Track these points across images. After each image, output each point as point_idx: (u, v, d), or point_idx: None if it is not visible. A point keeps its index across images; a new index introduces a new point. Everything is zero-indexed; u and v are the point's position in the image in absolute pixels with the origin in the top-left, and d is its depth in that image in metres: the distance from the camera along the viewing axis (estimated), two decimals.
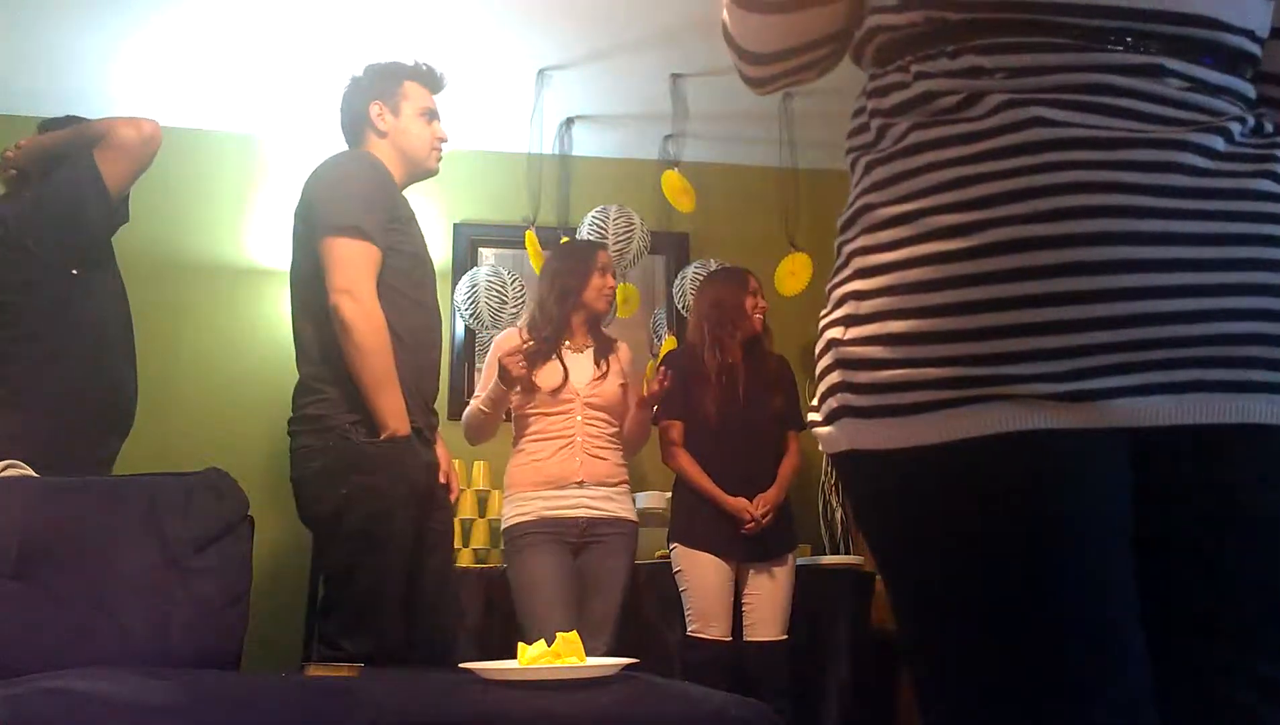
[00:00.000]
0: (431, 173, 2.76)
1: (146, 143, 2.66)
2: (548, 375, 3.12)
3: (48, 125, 2.86)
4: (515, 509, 3.10)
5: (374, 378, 2.39)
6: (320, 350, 2.47)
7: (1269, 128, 0.89)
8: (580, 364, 3.20)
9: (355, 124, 2.69)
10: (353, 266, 2.41)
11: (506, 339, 3.24)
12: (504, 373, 2.97)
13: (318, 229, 2.46)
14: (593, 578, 3.07)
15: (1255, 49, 0.91)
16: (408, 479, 2.44)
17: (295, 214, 2.58)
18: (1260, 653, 0.84)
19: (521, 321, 3.37)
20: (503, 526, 3.13)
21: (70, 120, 2.86)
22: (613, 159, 4.51)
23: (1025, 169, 0.83)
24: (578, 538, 3.07)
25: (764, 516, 3.22)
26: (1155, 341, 0.80)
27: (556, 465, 3.10)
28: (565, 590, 3.01)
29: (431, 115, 2.72)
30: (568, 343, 3.22)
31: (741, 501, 3.22)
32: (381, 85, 2.68)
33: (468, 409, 3.21)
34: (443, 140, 2.74)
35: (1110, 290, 0.80)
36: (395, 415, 2.41)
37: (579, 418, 3.14)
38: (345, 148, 2.72)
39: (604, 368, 3.23)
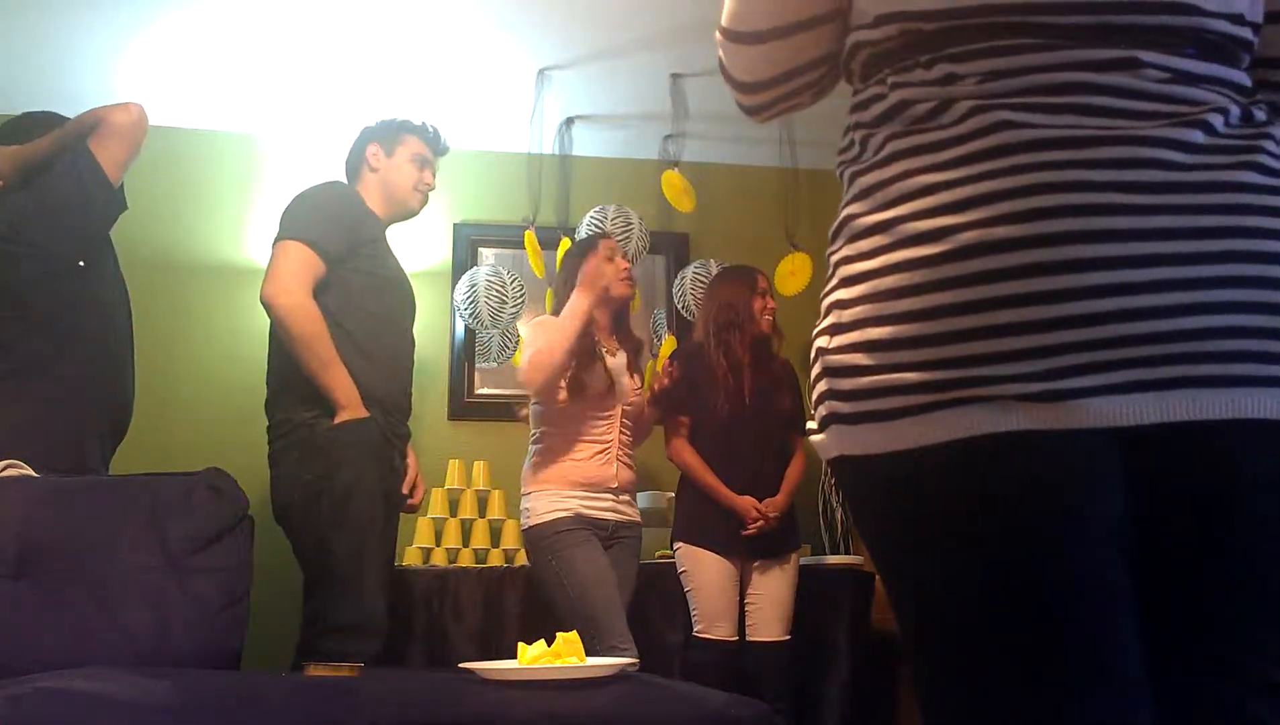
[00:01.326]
0: (413, 213, 2.95)
1: (137, 125, 2.73)
2: (595, 377, 3.07)
3: (6, 128, 2.85)
4: (550, 505, 3.02)
5: (317, 361, 2.54)
6: (277, 360, 2.67)
7: (1260, 116, 0.88)
8: (619, 370, 3.18)
9: (353, 162, 2.93)
10: (289, 266, 2.58)
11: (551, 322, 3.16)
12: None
13: (276, 236, 2.65)
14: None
15: (1244, 33, 0.89)
16: (371, 456, 2.60)
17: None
18: (1263, 656, 0.84)
19: (554, 310, 3.29)
20: (534, 522, 3.03)
21: (27, 117, 2.86)
22: (613, 159, 4.51)
23: (994, 172, 0.83)
24: (605, 539, 3.06)
25: (771, 520, 3.22)
26: (1132, 338, 0.80)
27: (594, 468, 3.06)
28: (616, 586, 2.99)
29: (424, 162, 2.92)
30: (604, 346, 3.17)
31: (748, 500, 3.22)
32: (384, 132, 2.92)
33: (538, 355, 2.94)
34: (429, 186, 2.93)
35: (1082, 288, 0.80)
36: (345, 392, 2.56)
37: (618, 425, 3.13)
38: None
39: (639, 380, 3.24)
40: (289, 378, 2.61)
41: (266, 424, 2.69)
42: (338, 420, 2.54)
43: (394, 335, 2.78)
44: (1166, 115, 0.85)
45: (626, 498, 3.14)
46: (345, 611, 2.49)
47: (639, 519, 3.21)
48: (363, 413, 2.57)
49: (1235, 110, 0.87)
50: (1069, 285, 0.80)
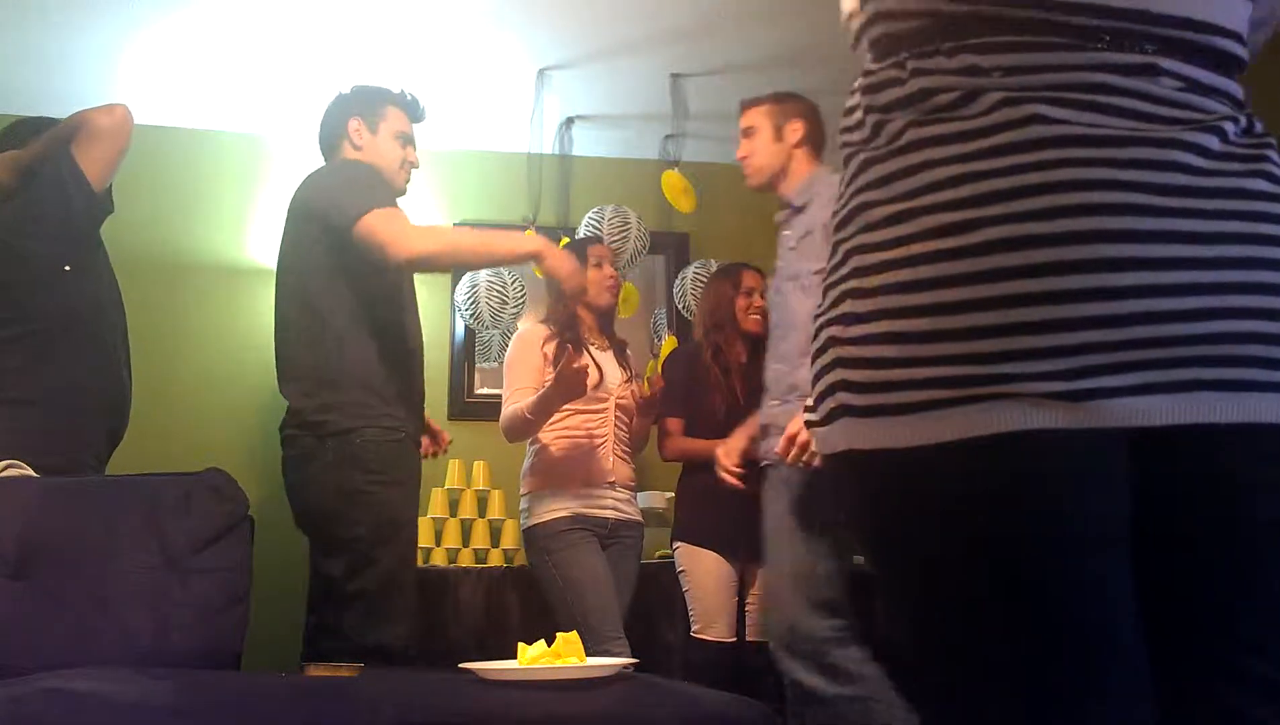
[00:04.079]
0: (400, 193, 2.78)
1: (121, 126, 2.67)
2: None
3: (8, 132, 2.84)
4: (550, 505, 3.02)
5: (482, 249, 2.68)
6: (325, 356, 2.48)
7: (1259, 127, 0.89)
8: (609, 364, 3.18)
9: (332, 137, 2.75)
10: (393, 225, 2.45)
11: (533, 333, 3.18)
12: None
13: (343, 222, 2.46)
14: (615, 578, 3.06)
15: (1243, 52, 0.91)
16: (414, 474, 2.52)
17: (294, 225, 2.59)
18: (1262, 657, 0.84)
19: (542, 318, 3.31)
20: (533, 522, 3.04)
21: (21, 124, 2.84)
22: (613, 159, 4.51)
23: (1023, 166, 0.83)
24: (604, 537, 3.06)
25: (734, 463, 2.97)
26: (1154, 340, 0.80)
27: (591, 464, 3.07)
28: (613, 587, 2.99)
29: (406, 140, 2.77)
30: (592, 342, 3.19)
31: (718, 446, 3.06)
32: (363, 105, 2.75)
33: (509, 412, 3.07)
34: (414, 165, 2.79)
35: (1109, 288, 0.80)
36: (524, 241, 2.68)
37: (612, 419, 3.14)
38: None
39: (629, 372, 3.24)
40: (330, 372, 2.45)
41: (293, 411, 2.50)
42: (540, 257, 2.54)
43: (417, 317, 2.69)
44: (1184, 121, 0.85)
45: (626, 495, 3.13)
46: (370, 632, 2.39)
47: (640, 518, 3.20)
48: (540, 244, 2.61)
49: (1242, 119, 0.88)
50: (1096, 284, 0.80)
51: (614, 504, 3.08)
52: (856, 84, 0.98)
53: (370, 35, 3.61)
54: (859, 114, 0.96)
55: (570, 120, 4.27)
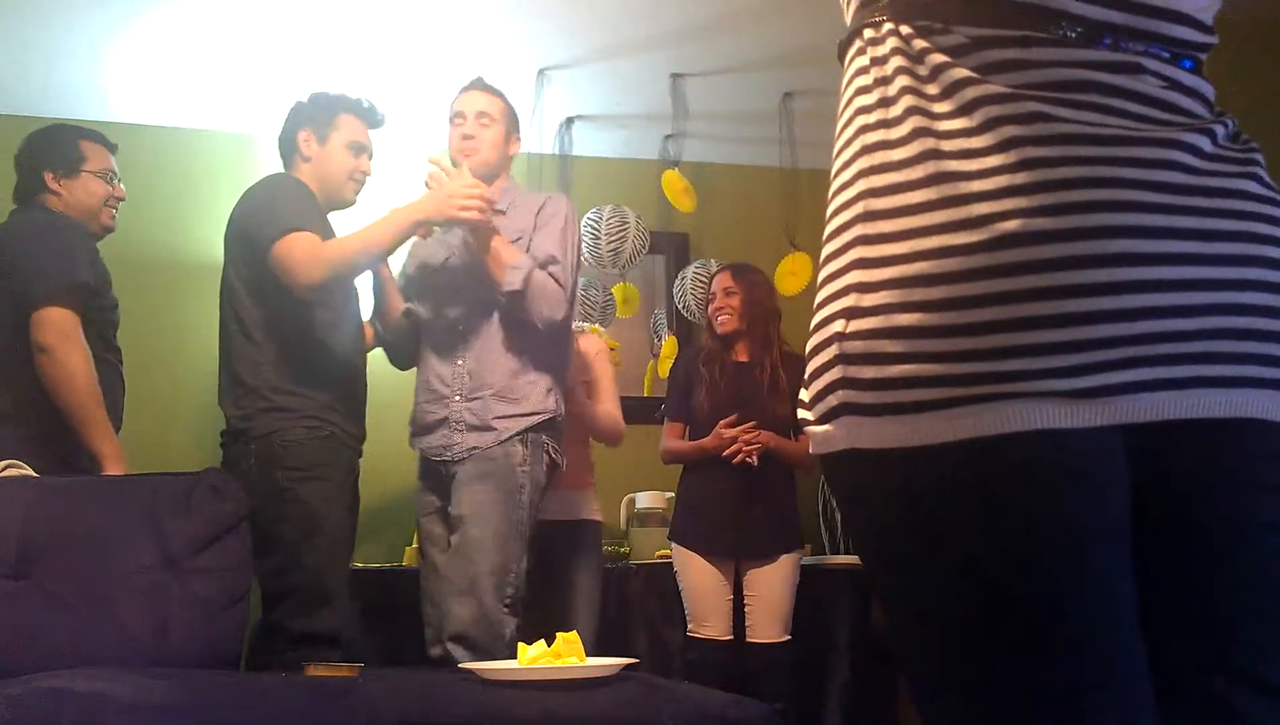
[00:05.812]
0: (348, 204, 2.78)
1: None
2: None
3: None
4: None
5: (374, 247, 2.54)
6: (250, 368, 2.56)
7: (1234, 127, 0.90)
8: None
9: (285, 148, 2.77)
10: (301, 252, 2.47)
11: None
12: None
13: (261, 243, 2.51)
14: None
15: (1209, 40, 0.91)
16: (341, 470, 2.56)
17: (228, 241, 2.68)
18: (1257, 655, 0.84)
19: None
20: None
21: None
22: (613, 159, 4.51)
23: (1030, 162, 0.82)
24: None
25: (753, 438, 3.20)
26: (1160, 335, 0.81)
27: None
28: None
29: (359, 149, 2.74)
30: None
31: (720, 432, 3.21)
32: (315, 113, 2.74)
33: None
34: (366, 174, 2.77)
35: (1116, 283, 0.80)
36: (396, 221, 2.53)
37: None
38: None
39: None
40: (253, 381, 2.54)
41: (226, 420, 2.60)
42: (428, 222, 2.53)
43: (354, 325, 2.72)
44: (1174, 122, 0.86)
45: (572, 497, 3.06)
46: (304, 621, 2.43)
47: (593, 518, 3.14)
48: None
49: (1229, 123, 0.89)
50: (1105, 280, 0.80)
51: (557, 507, 2.97)
52: (859, 40, 0.94)
53: (368, 34, 3.61)
54: (867, 79, 0.93)
55: (570, 120, 4.26)
